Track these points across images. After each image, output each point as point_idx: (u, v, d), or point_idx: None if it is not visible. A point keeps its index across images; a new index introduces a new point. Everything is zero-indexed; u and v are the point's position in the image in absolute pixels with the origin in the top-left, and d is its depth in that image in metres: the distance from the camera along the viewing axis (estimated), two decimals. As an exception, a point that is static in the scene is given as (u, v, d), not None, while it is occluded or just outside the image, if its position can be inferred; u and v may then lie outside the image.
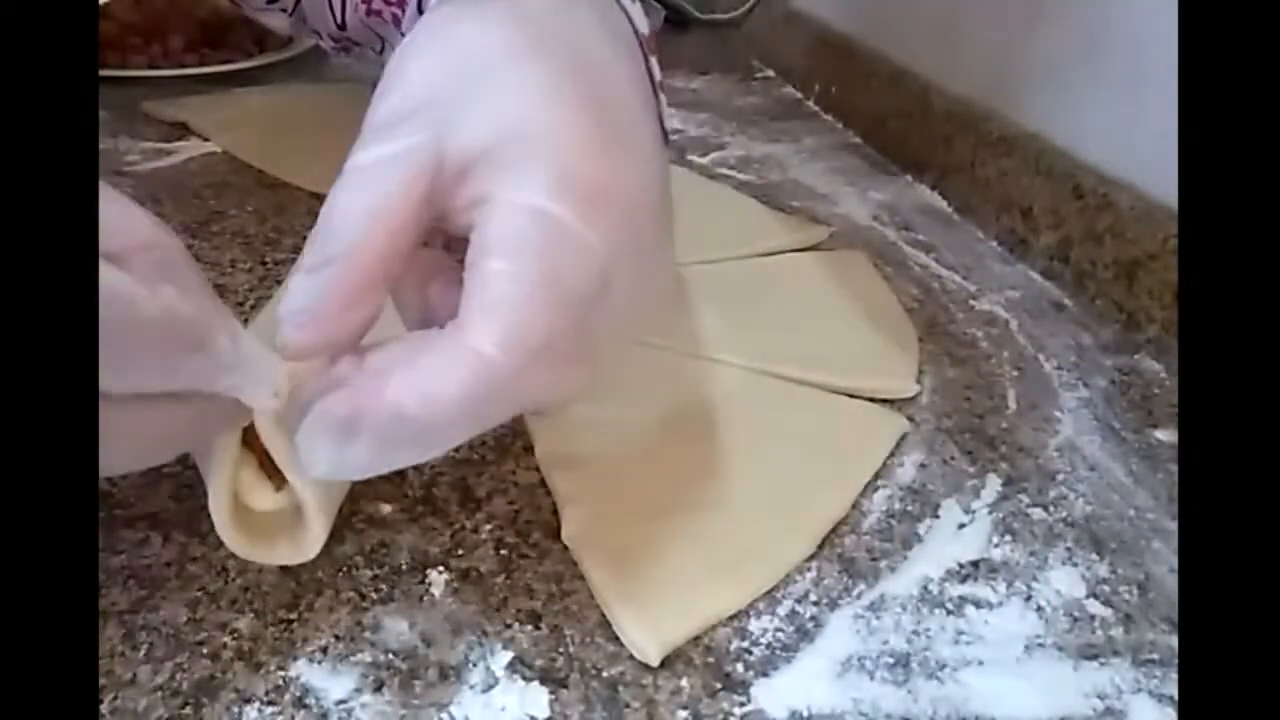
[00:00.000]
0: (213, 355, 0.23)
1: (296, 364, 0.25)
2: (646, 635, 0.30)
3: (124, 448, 0.24)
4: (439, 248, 0.28)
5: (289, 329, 0.24)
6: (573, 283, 0.24)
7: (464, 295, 0.24)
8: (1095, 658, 0.31)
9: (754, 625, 0.31)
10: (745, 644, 0.31)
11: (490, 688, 0.28)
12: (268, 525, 0.31)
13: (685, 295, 0.29)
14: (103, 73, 0.71)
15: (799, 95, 0.88)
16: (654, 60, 0.33)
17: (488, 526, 0.34)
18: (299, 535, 0.30)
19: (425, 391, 0.23)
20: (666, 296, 0.29)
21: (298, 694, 0.28)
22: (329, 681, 0.28)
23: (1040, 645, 0.32)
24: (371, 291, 0.24)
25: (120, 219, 0.24)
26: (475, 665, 0.29)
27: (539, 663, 0.29)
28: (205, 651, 0.29)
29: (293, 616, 0.30)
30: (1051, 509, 0.38)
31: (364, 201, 0.24)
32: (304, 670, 0.28)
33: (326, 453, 0.24)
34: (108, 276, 0.21)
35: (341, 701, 0.28)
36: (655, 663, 0.29)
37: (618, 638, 0.30)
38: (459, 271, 0.25)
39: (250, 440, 0.29)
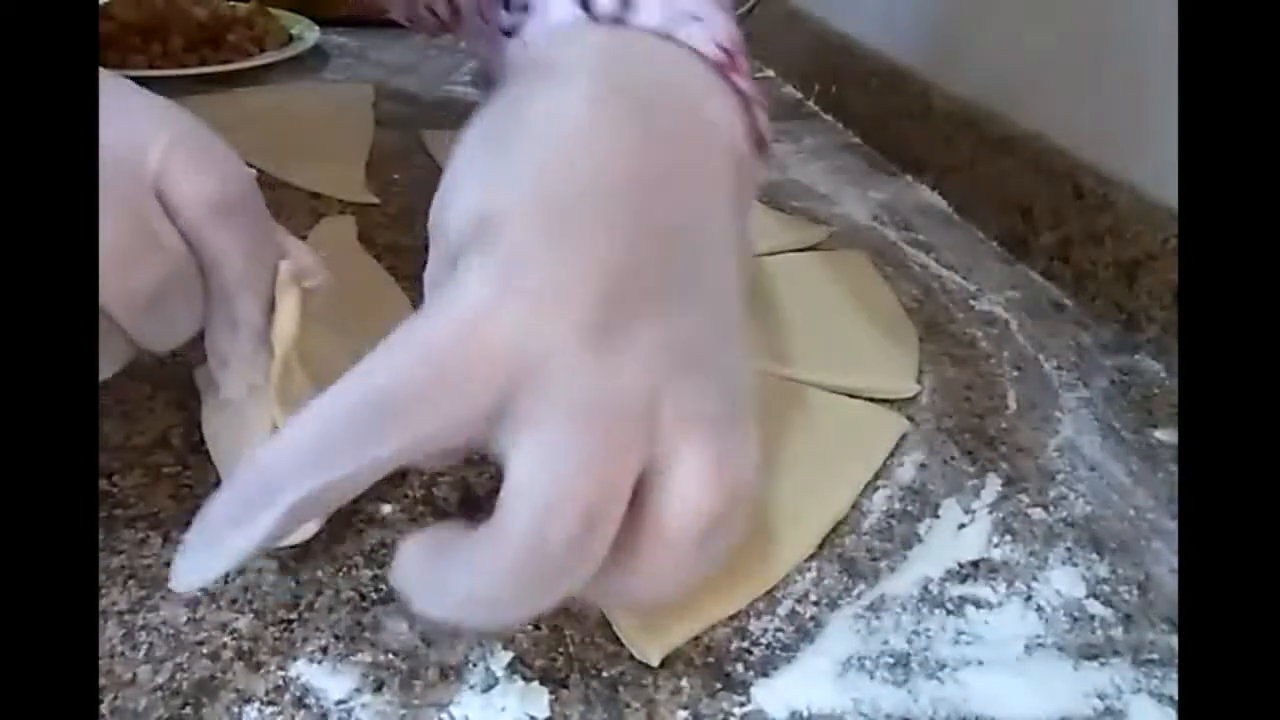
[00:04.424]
0: None
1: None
2: (646, 635, 0.30)
3: None
4: None
5: None
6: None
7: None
8: (1095, 658, 0.31)
9: (754, 625, 0.31)
10: (745, 644, 0.31)
11: (490, 688, 0.28)
12: None
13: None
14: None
15: (799, 95, 0.88)
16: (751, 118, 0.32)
17: (488, 526, 0.34)
18: None
19: None
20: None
21: (298, 694, 0.28)
22: (329, 681, 0.28)
23: (1040, 645, 0.32)
24: None
25: None
26: (475, 665, 0.29)
27: (539, 663, 0.29)
28: (205, 651, 0.29)
29: (293, 616, 0.30)
30: (1051, 509, 0.38)
31: None
32: (304, 670, 0.28)
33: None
34: None
35: (341, 701, 0.28)
36: (655, 663, 0.29)
37: (618, 638, 0.30)
38: None
39: None
